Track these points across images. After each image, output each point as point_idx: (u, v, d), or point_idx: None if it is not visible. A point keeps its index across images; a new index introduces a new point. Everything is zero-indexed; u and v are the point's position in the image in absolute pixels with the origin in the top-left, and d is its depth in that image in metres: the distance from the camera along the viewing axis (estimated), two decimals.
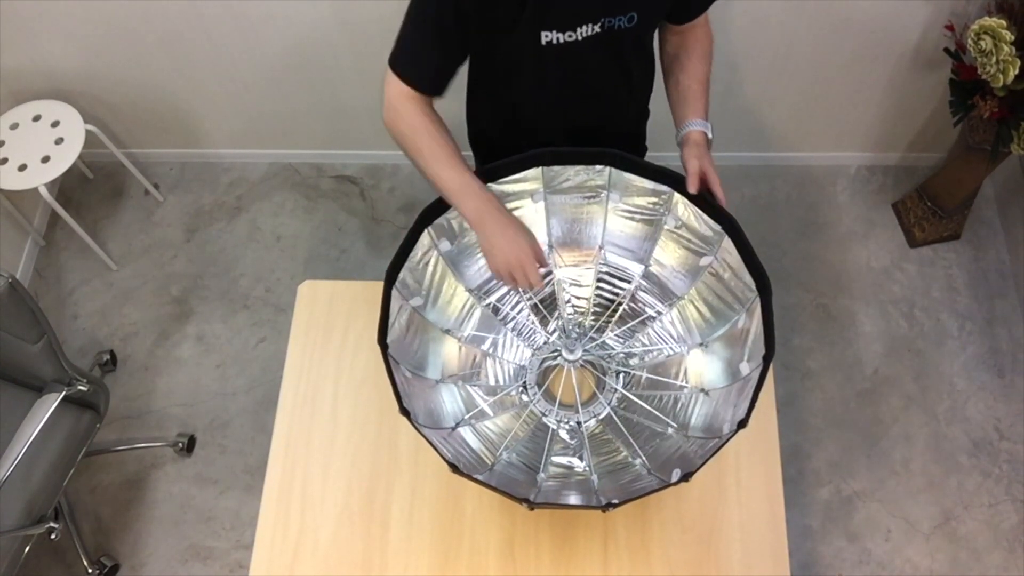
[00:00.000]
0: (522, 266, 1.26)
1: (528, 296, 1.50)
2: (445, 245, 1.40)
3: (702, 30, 1.41)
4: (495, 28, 1.25)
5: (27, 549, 1.87)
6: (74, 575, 2.15)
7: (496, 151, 1.43)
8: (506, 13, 1.21)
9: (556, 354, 1.46)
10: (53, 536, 1.88)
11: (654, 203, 1.40)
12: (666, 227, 1.41)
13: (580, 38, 1.25)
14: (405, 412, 1.20)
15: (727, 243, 1.32)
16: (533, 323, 1.52)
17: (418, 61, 1.29)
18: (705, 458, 1.18)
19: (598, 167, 1.38)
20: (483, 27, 1.24)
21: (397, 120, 1.32)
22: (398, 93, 1.31)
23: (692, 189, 1.31)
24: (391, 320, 1.29)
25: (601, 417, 1.44)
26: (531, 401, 1.46)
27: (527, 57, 1.28)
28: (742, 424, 1.18)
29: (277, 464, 1.49)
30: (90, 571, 2.12)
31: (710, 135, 1.35)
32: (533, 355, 1.50)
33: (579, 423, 1.44)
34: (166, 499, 2.25)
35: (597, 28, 1.25)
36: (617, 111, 1.48)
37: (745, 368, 1.29)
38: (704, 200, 1.33)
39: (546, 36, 1.24)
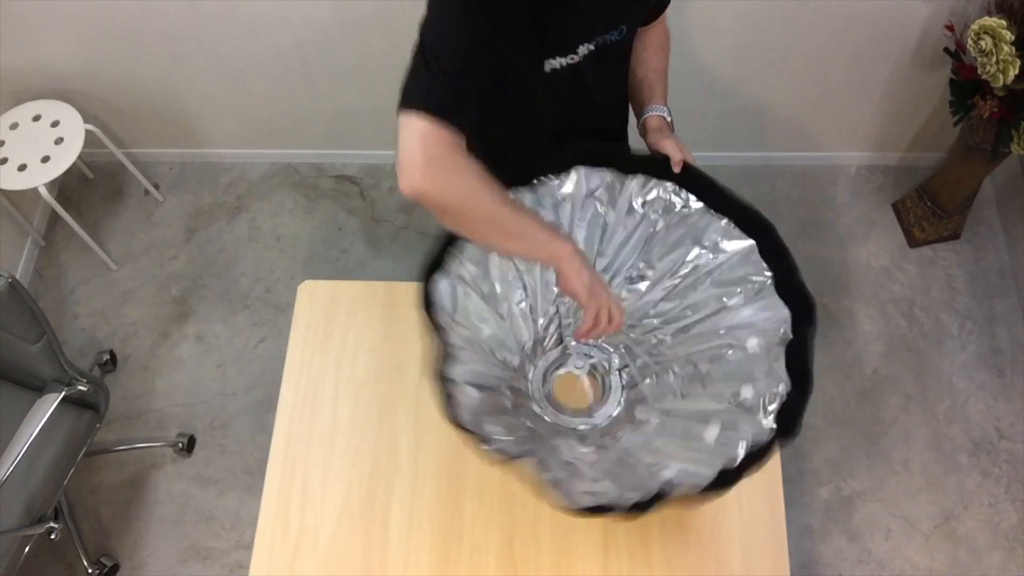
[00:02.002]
0: (611, 306, 1.21)
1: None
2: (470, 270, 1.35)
3: (659, 26, 1.45)
4: (516, 64, 1.21)
5: (27, 549, 1.87)
6: (74, 575, 2.15)
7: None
8: (525, 48, 1.20)
9: (558, 364, 1.45)
10: (53, 536, 1.88)
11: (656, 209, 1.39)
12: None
13: (579, 59, 1.26)
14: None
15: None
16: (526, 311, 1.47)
17: (460, 94, 1.06)
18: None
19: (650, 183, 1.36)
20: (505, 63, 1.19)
21: (455, 175, 1.05)
22: (443, 143, 1.03)
23: (676, 169, 1.34)
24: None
25: (615, 415, 1.42)
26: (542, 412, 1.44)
27: (529, 86, 1.28)
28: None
29: (277, 464, 1.49)
30: (90, 571, 2.12)
31: (668, 118, 1.40)
32: (533, 365, 1.47)
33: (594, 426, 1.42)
34: (166, 499, 2.25)
35: (592, 46, 1.26)
36: (609, 114, 1.50)
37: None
38: (737, 207, 1.32)
39: (550, 63, 1.24)
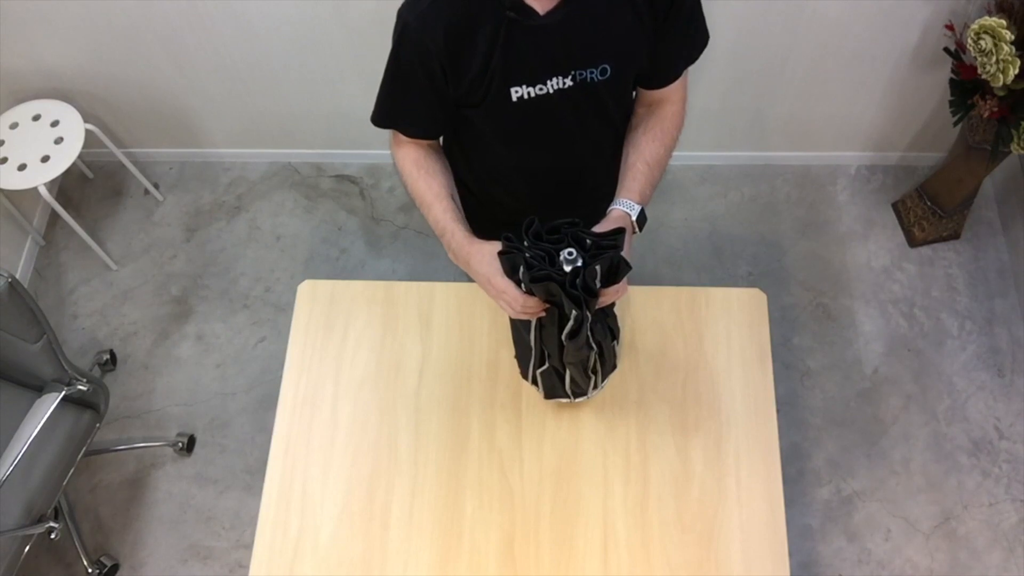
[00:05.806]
0: (501, 296, 1.22)
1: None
2: None
3: (671, 109, 1.37)
4: (467, 102, 1.25)
5: (27, 549, 1.88)
6: (74, 575, 2.15)
7: (475, 208, 1.38)
8: (474, 86, 1.21)
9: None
10: (53, 536, 1.88)
11: None
12: None
13: (551, 91, 1.23)
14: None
15: None
16: None
17: (399, 110, 1.31)
18: None
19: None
20: (457, 100, 1.26)
21: (400, 167, 1.37)
22: (391, 141, 1.36)
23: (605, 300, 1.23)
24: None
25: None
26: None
27: (501, 115, 1.26)
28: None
29: (277, 464, 1.49)
30: (90, 571, 2.12)
31: (634, 216, 1.28)
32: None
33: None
34: (166, 499, 2.25)
35: (569, 81, 1.23)
36: (591, 162, 1.44)
37: None
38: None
39: (516, 92, 1.22)
